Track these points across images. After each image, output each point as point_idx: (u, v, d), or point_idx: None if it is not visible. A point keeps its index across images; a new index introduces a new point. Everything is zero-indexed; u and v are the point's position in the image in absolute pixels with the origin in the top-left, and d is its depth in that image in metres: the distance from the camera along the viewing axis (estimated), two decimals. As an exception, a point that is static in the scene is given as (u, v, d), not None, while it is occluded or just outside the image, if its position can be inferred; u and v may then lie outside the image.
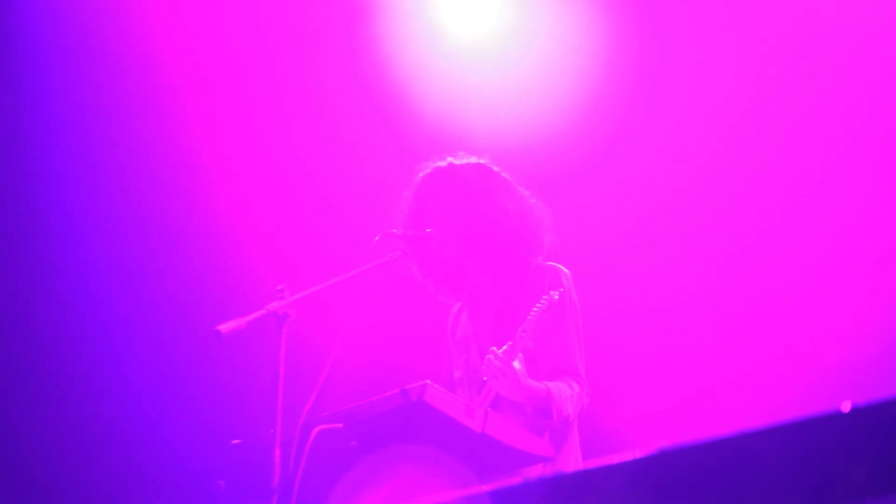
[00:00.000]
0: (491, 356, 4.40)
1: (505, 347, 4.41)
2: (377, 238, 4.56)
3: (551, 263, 4.83)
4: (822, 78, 6.52)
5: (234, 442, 4.27)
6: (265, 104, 7.10)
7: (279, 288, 4.07)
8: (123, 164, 7.00)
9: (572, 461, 4.57)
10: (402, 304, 5.34)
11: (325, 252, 6.64)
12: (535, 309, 4.49)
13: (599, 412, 6.49)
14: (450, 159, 4.96)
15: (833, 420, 2.02)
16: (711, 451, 2.08)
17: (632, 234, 6.71)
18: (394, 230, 4.67)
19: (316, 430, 3.99)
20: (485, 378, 4.47)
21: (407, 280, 4.91)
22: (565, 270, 4.80)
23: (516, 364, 4.37)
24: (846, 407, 2.00)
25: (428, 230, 4.65)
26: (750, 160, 6.63)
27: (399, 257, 4.53)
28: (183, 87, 6.99)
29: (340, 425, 4.04)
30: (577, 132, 6.82)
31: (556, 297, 4.55)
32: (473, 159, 4.97)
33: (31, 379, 6.76)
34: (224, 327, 3.89)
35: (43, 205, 6.87)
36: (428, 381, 4.01)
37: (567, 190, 6.48)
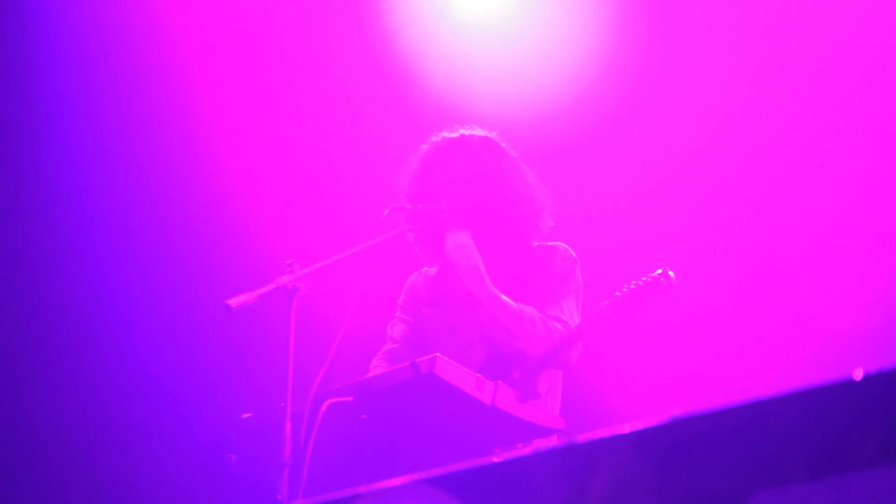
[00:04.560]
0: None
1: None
2: (386, 212, 4.56)
3: (556, 243, 4.82)
4: (836, 44, 6.49)
5: (245, 416, 4.28)
6: (273, 80, 7.09)
7: (289, 262, 4.07)
8: (131, 138, 6.99)
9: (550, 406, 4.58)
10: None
11: (335, 226, 6.64)
12: (632, 283, 4.39)
13: (608, 381, 6.50)
14: (460, 130, 4.95)
15: (845, 388, 2.01)
16: (723, 418, 2.08)
17: (637, 209, 6.70)
18: (403, 204, 4.66)
19: (326, 403, 4.00)
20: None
21: (416, 254, 4.91)
22: (571, 251, 4.79)
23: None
24: (858, 375, 2.00)
25: (434, 205, 4.65)
26: (757, 133, 6.61)
27: (408, 231, 4.53)
28: (189, 57, 6.98)
29: (351, 398, 4.05)
30: (582, 109, 6.79)
31: (664, 276, 4.37)
32: (482, 132, 4.96)
33: (40, 355, 6.78)
34: (234, 301, 3.89)
35: (52, 178, 6.88)
36: (438, 354, 4.01)
37: (571, 167, 6.46)
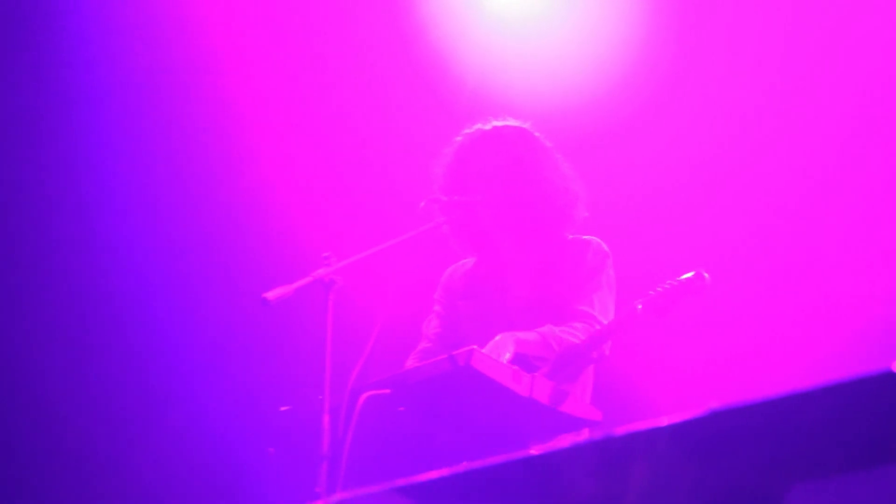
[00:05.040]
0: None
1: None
2: (422, 204, 4.57)
3: (589, 237, 4.80)
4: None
5: (283, 409, 4.29)
6: (308, 74, 7.10)
7: (325, 255, 4.09)
8: (166, 132, 7.02)
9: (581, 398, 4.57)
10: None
11: (371, 219, 6.65)
12: (666, 284, 4.37)
13: (645, 373, 6.49)
14: (494, 122, 4.94)
15: (883, 379, 2.00)
16: (760, 411, 2.07)
17: (669, 202, 6.67)
18: (438, 196, 4.67)
19: (364, 396, 4.01)
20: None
21: (451, 247, 4.91)
22: (604, 245, 4.78)
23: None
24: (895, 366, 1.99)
25: (469, 197, 4.65)
26: (790, 125, 6.58)
27: (443, 223, 4.53)
28: (223, 49, 7.00)
29: (388, 391, 4.06)
30: (614, 100, 6.78)
31: (699, 277, 4.32)
32: (516, 123, 4.95)
33: (77, 352, 6.82)
34: (271, 295, 3.92)
35: (86, 175, 6.91)
36: (475, 347, 4.01)
37: (604, 159, 6.45)
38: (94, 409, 6.74)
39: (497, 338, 4.31)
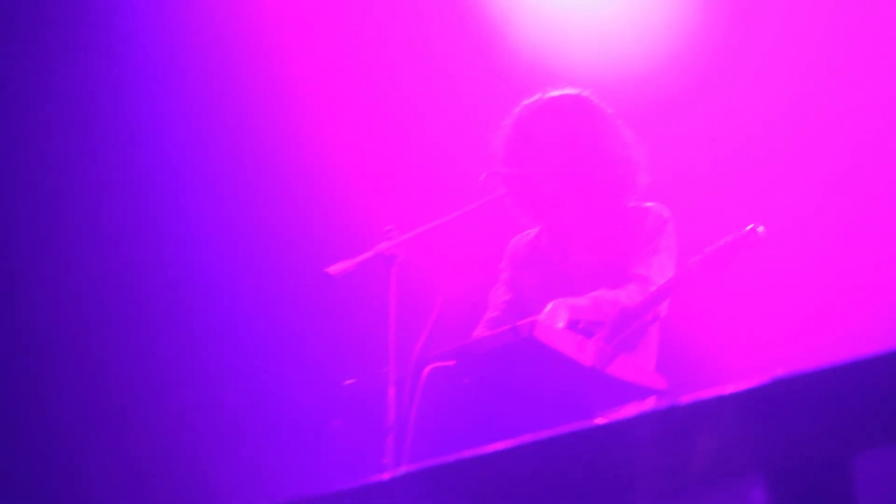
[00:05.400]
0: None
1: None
2: (483, 177, 4.57)
3: (650, 204, 4.78)
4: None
5: (349, 382, 4.31)
6: (366, 47, 7.11)
7: (387, 229, 4.10)
8: (227, 105, 7.06)
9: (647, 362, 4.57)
10: (508, 241, 5.35)
11: (432, 192, 6.65)
12: (721, 241, 4.36)
13: (709, 340, 6.46)
14: (552, 91, 4.93)
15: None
16: (827, 378, 2.06)
17: (731, 165, 6.62)
18: (498, 168, 4.66)
19: (428, 368, 4.03)
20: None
21: (513, 218, 4.90)
22: (666, 210, 4.75)
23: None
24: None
25: (530, 168, 4.64)
26: (853, 88, 6.50)
27: (505, 195, 4.53)
28: (281, 20, 7.02)
29: (452, 363, 4.07)
30: (675, 66, 6.73)
31: (753, 231, 4.31)
32: (575, 91, 4.93)
33: (142, 326, 6.89)
34: (334, 269, 3.94)
35: (149, 143, 6.97)
36: (538, 317, 4.02)
37: (665, 126, 6.41)
38: (158, 385, 6.82)
39: (549, 305, 4.32)
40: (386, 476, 2.46)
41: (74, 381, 6.75)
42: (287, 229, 7.00)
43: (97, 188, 6.90)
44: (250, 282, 6.92)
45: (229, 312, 6.86)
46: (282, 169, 7.05)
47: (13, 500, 6.49)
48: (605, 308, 4.39)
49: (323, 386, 5.91)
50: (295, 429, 6.62)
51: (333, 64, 7.11)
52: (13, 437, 6.64)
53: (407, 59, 7.08)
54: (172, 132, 6.99)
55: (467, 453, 2.46)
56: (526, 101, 4.93)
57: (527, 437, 2.44)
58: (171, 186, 6.96)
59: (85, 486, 6.67)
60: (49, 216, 6.83)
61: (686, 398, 2.27)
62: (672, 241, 4.70)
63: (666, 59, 6.76)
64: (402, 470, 2.42)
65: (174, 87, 6.98)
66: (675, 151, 6.42)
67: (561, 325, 4.23)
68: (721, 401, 2.20)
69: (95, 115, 6.90)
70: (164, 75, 6.97)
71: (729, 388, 2.19)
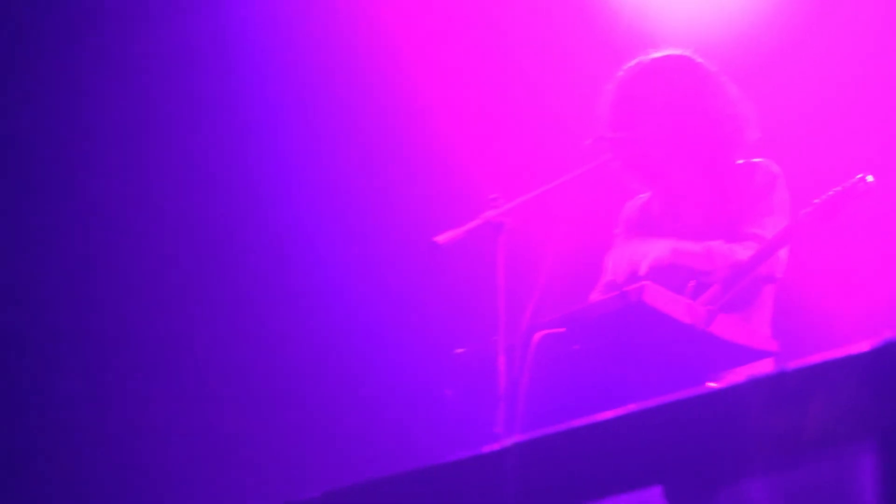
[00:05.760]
0: None
1: None
2: (588, 142, 4.55)
3: (758, 160, 4.73)
4: None
5: (459, 352, 4.34)
6: (471, 10, 7.10)
7: (494, 197, 4.11)
8: (334, 75, 7.10)
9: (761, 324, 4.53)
10: (615, 206, 5.33)
11: (538, 159, 6.64)
12: (830, 191, 4.33)
13: (815, 303, 6.38)
14: (655, 53, 4.89)
15: None
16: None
17: (837, 119, 6.52)
18: (603, 133, 4.64)
19: (538, 335, 4.03)
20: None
21: (619, 183, 4.88)
22: (775, 166, 4.70)
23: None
24: None
25: (636, 131, 4.62)
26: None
27: (610, 161, 4.51)
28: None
29: (562, 330, 4.07)
30: (777, 19, 6.64)
31: (862, 181, 4.25)
32: (678, 52, 4.89)
33: (253, 301, 7.01)
34: (442, 238, 3.96)
35: (260, 120, 7.05)
36: (647, 282, 4.00)
37: (770, 79, 6.33)
38: (271, 357, 6.94)
39: (655, 242, 4.32)
40: (497, 445, 2.48)
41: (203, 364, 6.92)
42: (394, 200, 7.04)
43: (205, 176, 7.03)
44: (360, 254, 6.99)
45: (340, 286, 6.94)
46: (389, 139, 7.09)
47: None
48: (716, 259, 4.37)
49: (433, 355, 5.96)
50: (407, 399, 6.68)
51: (439, 32, 7.11)
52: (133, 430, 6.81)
53: (511, 25, 7.07)
54: (280, 101, 7.07)
55: (578, 422, 2.47)
56: (629, 64, 4.90)
57: (637, 405, 2.44)
58: (281, 158, 7.04)
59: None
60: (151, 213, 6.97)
61: (797, 362, 2.26)
62: (784, 197, 4.65)
63: (767, 12, 6.68)
64: (514, 439, 2.44)
65: (283, 64, 7.06)
66: (780, 105, 6.33)
67: (646, 266, 4.25)
68: (832, 365, 2.19)
69: (206, 113, 7.01)
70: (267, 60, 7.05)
71: (840, 352, 2.18)
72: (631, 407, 2.45)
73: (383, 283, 6.95)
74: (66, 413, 6.75)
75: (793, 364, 2.27)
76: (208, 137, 7.05)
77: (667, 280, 4.33)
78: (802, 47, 6.60)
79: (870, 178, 4.24)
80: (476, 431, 4.05)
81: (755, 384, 2.34)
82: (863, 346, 2.14)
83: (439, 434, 6.11)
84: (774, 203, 4.61)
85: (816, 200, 4.28)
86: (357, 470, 6.37)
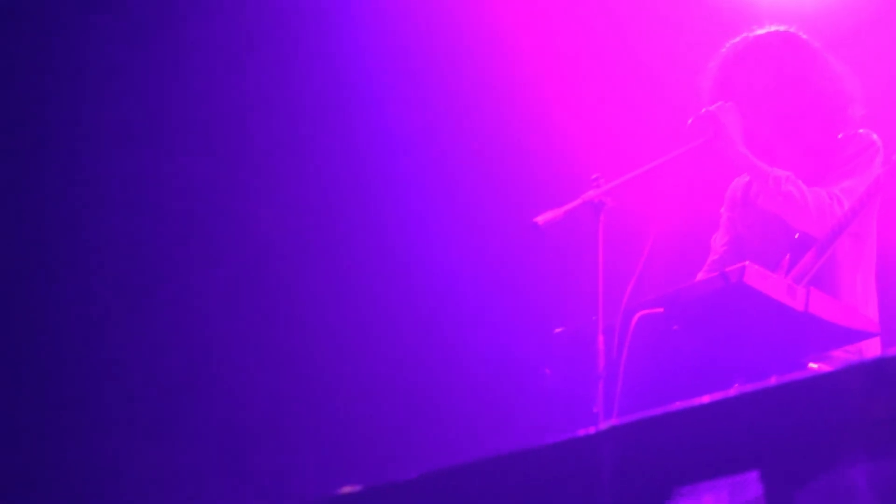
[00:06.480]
0: None
1: None
2: (689, 121, 4.54)
3: (862, 131, 4.68)
4: None
5: (558, 331, 4.35)
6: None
7: (594, 177, 4.11)
8: (438, 59, 7.13)
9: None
10: (718, 186, 5.30)
11: (639, 138, 6.62)
12: None
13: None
14: (757, 30, 4.86)
15: None
16: None
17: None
18: (704, 110, 4.61)
19: (637, 315, 4.03)
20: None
21: (720, 163, 4.85)
22: (873, 136, 4.65)
23: None
24: None
25: (739, 109, 4.59)
26: None
27: (711, 140, 4.49)
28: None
29: (661, 310, 4.07)
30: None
31: None
32: (783, 28, 4.85)
33: (353, 278, 7.08)
34: (541, 218, 3.97)
35: (363, 105, 7.09)
36: (747, 263, 3.98)
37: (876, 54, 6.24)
38: (374, 340, 7.01)
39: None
40: (594, 428, 2.50)
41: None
42: (495, 180, 7.06)
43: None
44: (462, 235, 7.02)
45: (441, 267, 6.97)
46: (490, 121, 7.10)
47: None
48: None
49: (533, 335, 5.97)
50: (507, 378, 6.71)
51: (535, 9, 7.11)
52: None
53: (612, 4, 7.04)
54: (386, 83, 7.11)
55: (675, 406, 2.48)
56: (734, 40, 4.88)
57: (735, 390, 2.44)
58: (384, 138, 7.09)
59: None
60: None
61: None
62: (875, 168, 4.58)
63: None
64: (611, 423, 2.45)
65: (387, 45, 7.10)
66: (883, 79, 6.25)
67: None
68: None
69: (315, 113, 7.08)
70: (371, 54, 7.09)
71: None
72: (729, 391, 2.45)
73: (484, 263, 6.98)
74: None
75: (893, 348, 2.25)
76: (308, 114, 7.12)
77: (763, 248, 4.35)
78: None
79: None
80: (575, 411, 4.07)
81: (857, 369, 2.33)
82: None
83: (538, 413, 6.13)
84: (860, 169, 4.56)
85: None
86: (458, 449, 6.42)
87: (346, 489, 2.83)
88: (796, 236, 4.48)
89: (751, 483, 2.37)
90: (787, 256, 4.45)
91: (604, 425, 2.47)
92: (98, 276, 6.78)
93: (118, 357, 6.75)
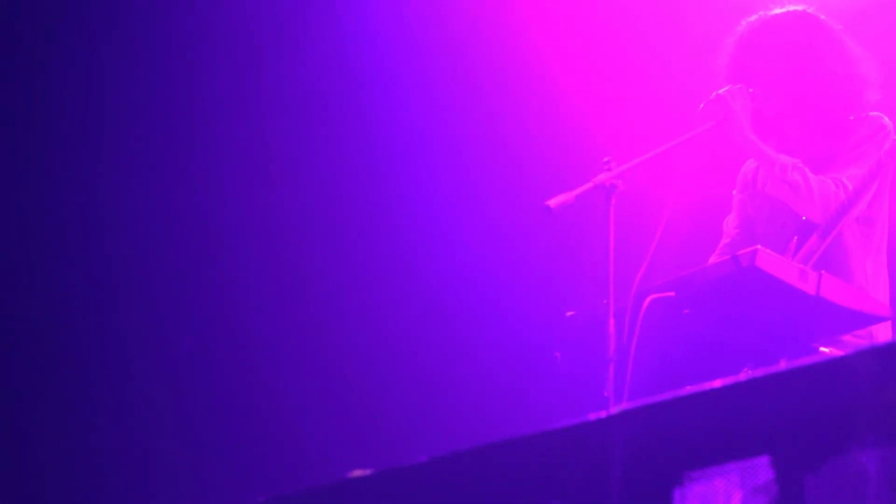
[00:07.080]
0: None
1: None
2: (702, 105, 4.52)
3: (874, 114, 4.66)
4: None
5: (569, 314, 4.35)
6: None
7: (606, 160, 4.10)
8: (458, 43, 7.12)
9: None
10: (729, 169, 5.29)
11: (651, 121, 6.60)
12: None
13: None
14: (775, 9, 4.84)
15: None
16: None
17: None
18: (714, 94, 4.59)
19: (648, 299, 4.03)
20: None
21: (732, 146, 4.84)
22: (885, 119, 4.63)
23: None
24: None
25: (754, 88, 4.57)
26: None
27: (723, 123, 4.47)
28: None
29: (672, 293, 4.06)
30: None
31: None
32: (801, 8, 4.83)
33: (363, 261, 7.09)
34: (553, 202, 3.96)
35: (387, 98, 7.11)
36: (759, 247, 3.98)
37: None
38: (385, 321, 7.02)
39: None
40: (605, 413, 2.50)
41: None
42: (506, 164, 7.05)
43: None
44: (473, 219, 7.02)
45: (452, 249, 6.98)
46: (502, 105, 7.09)
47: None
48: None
49: (544, 318, 5.97)
50: (517, 361, 6.71)
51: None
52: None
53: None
54: (403, 79, 7.11)
55: (686, 390, 2.48)
56: (749, 19, 4.86)
57: (746, 375, 2.45)
58: (395, 124, 7.09)
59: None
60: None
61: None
62: (879, 149, 4.55)
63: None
64: (622, 407, 2.46)
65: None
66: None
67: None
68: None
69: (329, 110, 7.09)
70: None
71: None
72: (740, 376, 2.45)
73: (496, 247, 6.98)
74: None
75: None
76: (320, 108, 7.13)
77: (771, 231, 4.35)
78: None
79: None
80: (585, 394, 4.07)
81: (868, 353, 2.33)
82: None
83: (549, 396, 6.13)
84: (866, 154, 4.54)
85: None
86: (470, 433, 6.43)
87: (357, 472, 2.84)
88: (803, 219, 4.48)
89: (761, 467, 2.37)
90: (795, 239, 4.45)
91: (615, 410, 2.47)
92: (99, 276, 6.80)
93: (119, 356, 6.79)
